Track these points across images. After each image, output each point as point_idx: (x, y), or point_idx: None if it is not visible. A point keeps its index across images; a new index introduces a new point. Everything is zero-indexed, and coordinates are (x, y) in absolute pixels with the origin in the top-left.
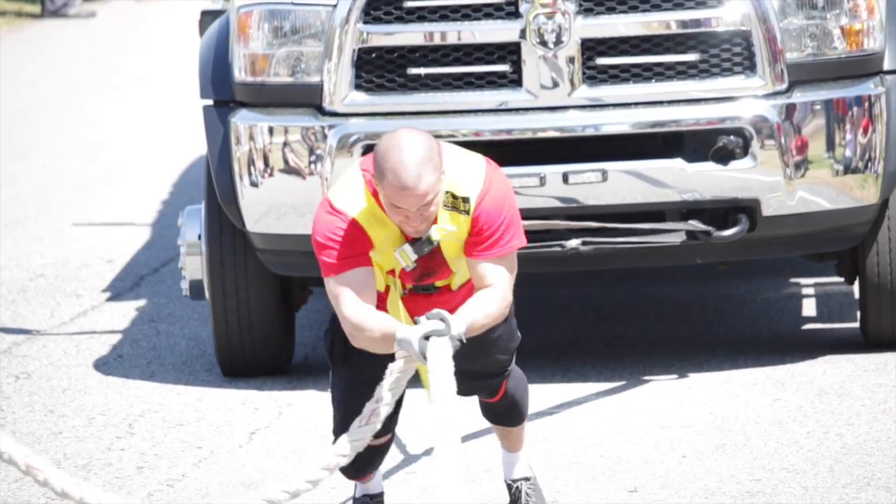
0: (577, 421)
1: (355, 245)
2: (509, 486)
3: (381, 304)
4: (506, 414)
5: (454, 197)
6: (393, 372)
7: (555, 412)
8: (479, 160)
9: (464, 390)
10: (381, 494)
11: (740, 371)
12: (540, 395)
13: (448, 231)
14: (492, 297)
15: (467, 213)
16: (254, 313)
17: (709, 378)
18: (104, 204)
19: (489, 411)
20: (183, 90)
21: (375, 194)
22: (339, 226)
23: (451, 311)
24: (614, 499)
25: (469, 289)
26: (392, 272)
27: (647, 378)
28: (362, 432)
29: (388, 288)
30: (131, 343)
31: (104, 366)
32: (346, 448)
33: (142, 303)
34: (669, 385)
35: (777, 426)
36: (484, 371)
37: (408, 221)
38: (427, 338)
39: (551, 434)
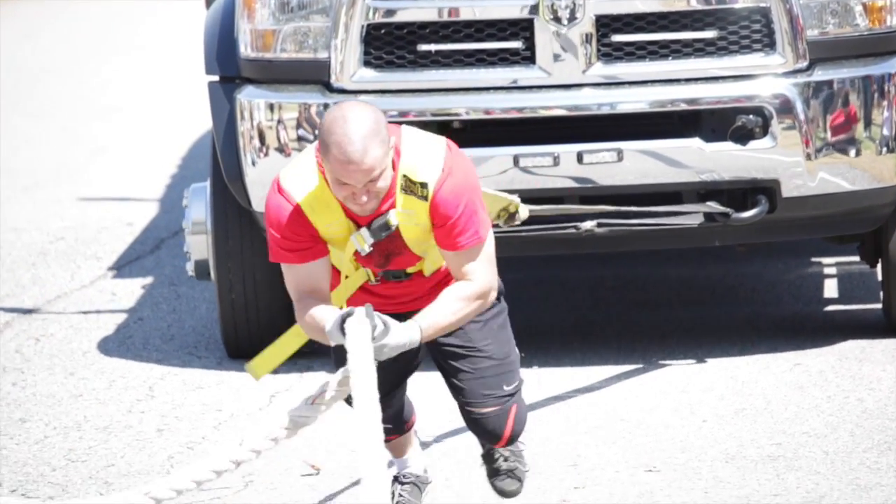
0: (598, 386)
1: (299, 233)
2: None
3: (333, 288)
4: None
5: (411, 181)
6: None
7: (571, 396)
8: (439, 144)
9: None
10: (411, 474)
11: (761, 335)
12: (555, 379)
13: (406, 214)
14: (461, 293)
15: (425, 198)
16: (260, 295)
17: (729, 342)
18: (123, 167)
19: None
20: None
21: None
22: (283, 210)
23: (426, 296)
24: (634, 462)
25: (445, 274)
26: (357, 258)
27: (663, 363)
28: (309, 410)
29: (340, 275)
30: (151, 306)
31: (124, 328)
32: (286, 422)
33: (162, 266)
34: (689, 350)
35: (798, 390)
36: (478, 378)
37: (353, 199)
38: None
39: (572, 399)
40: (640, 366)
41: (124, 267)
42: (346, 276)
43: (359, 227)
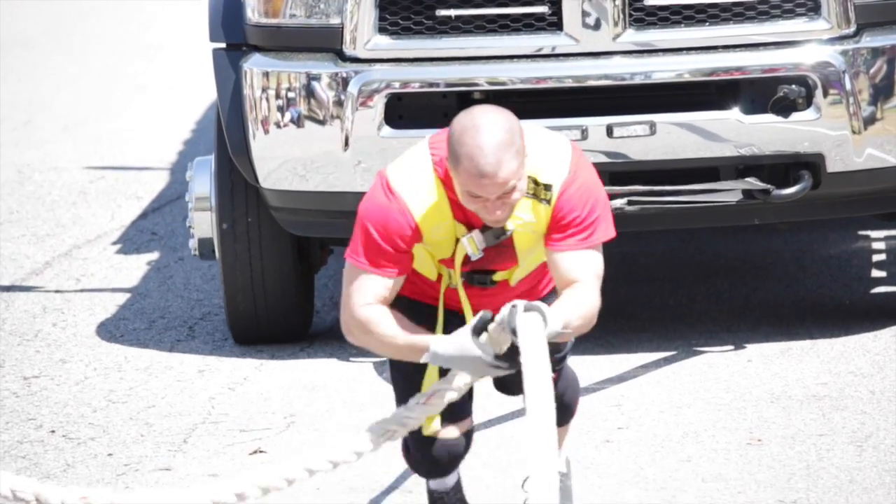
0: (643, 328)
1: (402, 241)
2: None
3: (434, 292)
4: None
5: (536, 183)
6: None
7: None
8: (564, 144)
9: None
10: (456, 485)
11: (807, 272)
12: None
13: (524, 221)
14: (583, 296)
15: (548, 201)
16: (268, 275)
17: (775, 279)
18: (164, 105)
19: None
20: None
21: (445, 179)
22: (391, 214)
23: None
24: (678, 402)
25: (529, 286)
26: (447, 261)
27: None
28: (419, 410)
29: (440, 277)
30: None
31: (165, 268)
32: (396, 423)
33: None
34: (735, 287)
35: (844, 330)
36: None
37: (486, 210)
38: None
39: (615, 340)
40: (688, 309)
41: (164, 206)
42: (437, 278)
43: (469, 229)
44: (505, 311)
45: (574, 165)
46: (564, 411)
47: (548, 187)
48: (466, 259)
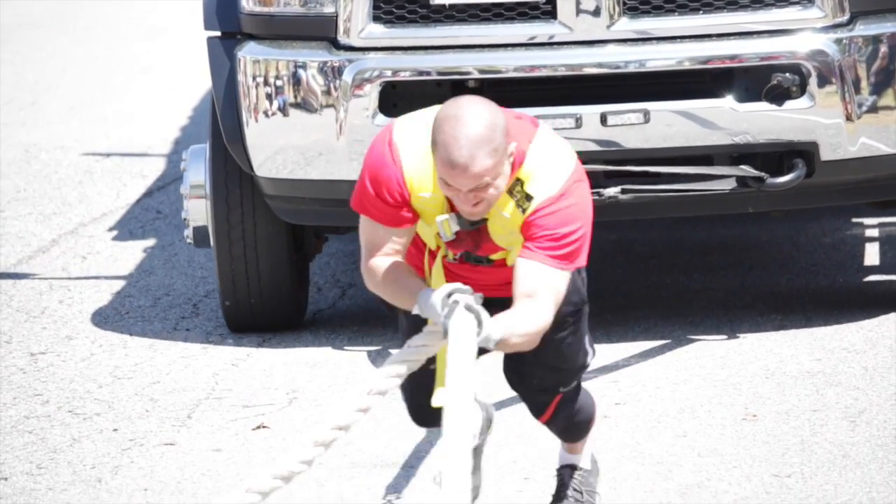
0: (640, 305)
1: (389, 193)
2: (557, 473)
3: (423, 263)
4: (558, 433)
5: (521, 188)
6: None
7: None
8: (569, 162)
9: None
10: None
11: (801, 251)
12: None
13: (501, 216)
14: (532, 314)
15: (524, 211)
16: (263, 263)
17: (770, 259)
18: (167, 87)
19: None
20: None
21: None
22: (385, 164)
23: (502, 283)
24: (674, 379)
25: None
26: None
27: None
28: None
29: (438, 248)
30: None
31: (169, 247)
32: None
33: None
34: (731, 267)
35: (837, 307)
36: (532, 381)
37: (460, 201)
38: (450, 295)
39: (613, 317)
40: (684, 287)
41: (169, 185)
42: (434, 250)
43: (451, 210)
44: (445, 305)
45: (566, 188)
46: (573, 432)
47: (529, 197)
48: (466, 242)
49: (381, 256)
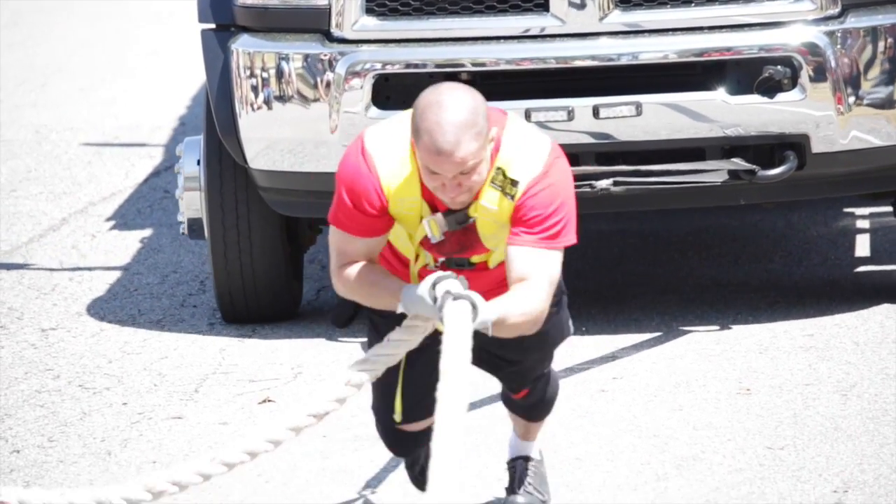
0: (635, 283)
1: (368, 204)
2: (509, 466)
3: (403, 274)
4: (527, 409)
5: (504, 176)
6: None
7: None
8: (544, 143)
9: (484, 367)
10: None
11: (794, 230)
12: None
13: (487, 210)
14: (529, 294)
15: (512, 197)
16: (257, 254)
17: (763, 237)
18: (175, 69)
19: (507, 400)
20: None
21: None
22: (361, 174)
23: (486, 289)
24: (670, 354)
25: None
26: (423, 242)
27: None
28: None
29: (416, 257)
30: None
31: (177, 225)
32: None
33: None
34: (725, 248)
35: (829, 284)
36: (512, 366)
37: (444, 190)
38: (435, 285)
39: (609, 293)
40: (680, 265)
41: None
42: (416, 258)
43: (434, 211)
44: (438, 294)
45: (548, 166)
46: (541, 408)
47: (514, 182)
48: (449, 245)
49: (354, 262)
